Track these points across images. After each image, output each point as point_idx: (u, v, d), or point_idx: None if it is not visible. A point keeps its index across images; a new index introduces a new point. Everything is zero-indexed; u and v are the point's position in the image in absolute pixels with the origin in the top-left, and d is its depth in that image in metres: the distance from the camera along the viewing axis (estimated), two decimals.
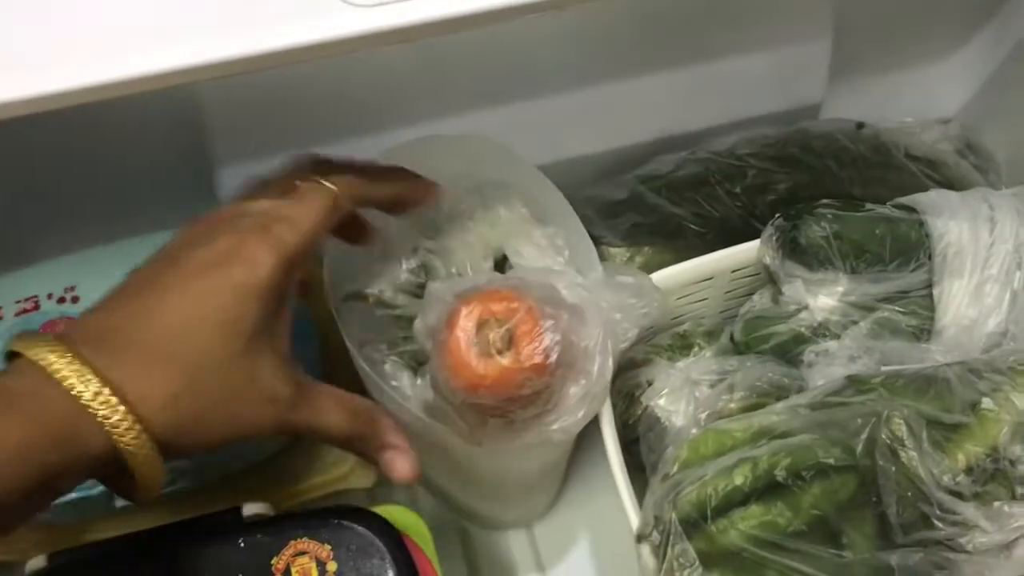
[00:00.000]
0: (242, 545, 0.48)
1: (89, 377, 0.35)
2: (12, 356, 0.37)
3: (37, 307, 0.54)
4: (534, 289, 0.46)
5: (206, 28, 0.37)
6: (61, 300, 0.54)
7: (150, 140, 0.64)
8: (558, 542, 0.67)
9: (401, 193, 0.47)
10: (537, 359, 0.44)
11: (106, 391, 0.35)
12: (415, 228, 0.55)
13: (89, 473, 0.36)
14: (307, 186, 0.42)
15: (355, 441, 0.43)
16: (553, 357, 0.44)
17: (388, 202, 0.47)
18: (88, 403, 0.34)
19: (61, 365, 0.35)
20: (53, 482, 0.35)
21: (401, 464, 0.43)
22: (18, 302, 0.54)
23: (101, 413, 0.35)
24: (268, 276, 0.38)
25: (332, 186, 0.42)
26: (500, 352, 0.44)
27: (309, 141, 0.64)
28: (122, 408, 0.35)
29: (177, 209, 0.61)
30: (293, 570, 0.47)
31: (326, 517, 0.49)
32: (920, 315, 0.58)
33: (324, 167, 0.44)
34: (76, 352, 0.35)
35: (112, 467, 0.36)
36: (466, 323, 0.44)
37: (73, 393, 0.34)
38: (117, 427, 0.35)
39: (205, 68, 0.38)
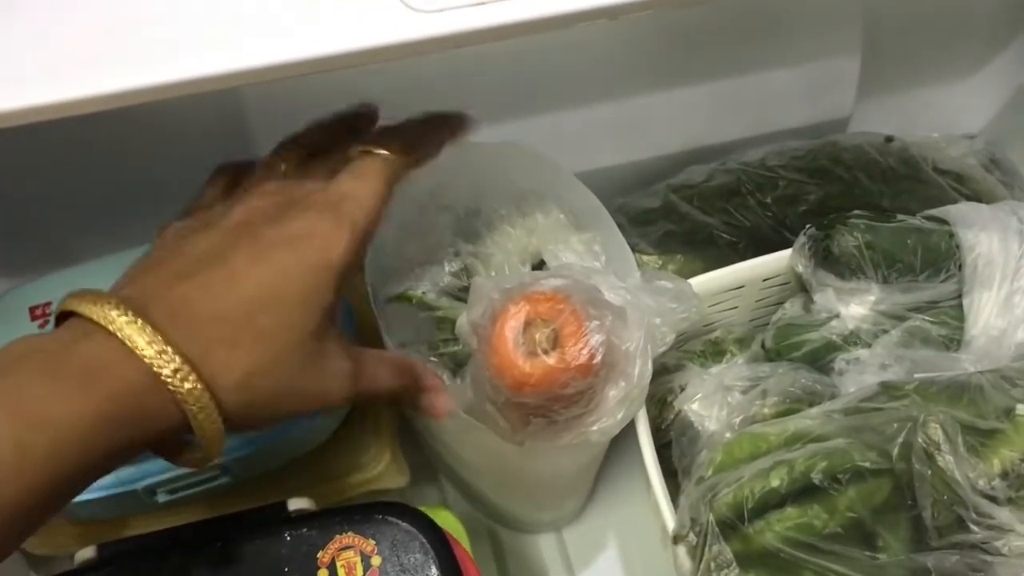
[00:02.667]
0: (288, 539, 0.48)
1: (167, 352, 0.34)
2: (71, 315, 0.36)
3: None
4: (578, 290, 0.47)
5: (265, 32, 0.38)
6: None
7: (194, 142, 0.65)
8: (587, 546, 0.68)
9: (443, 139, 0.46)
10: (582, 359, 0.45)
11: (185, 368, 0.34)
12: (456, 233, 0.56)
13: (155, 443, 0.36)
14: (364, 160, 0.42)
15: (402, 394, 0.44)
16: (598, 357, 0.45)
17: (435, 153, 0.46)
18: (168, 379, 0.34)
19: (139, 339, 0.34)
20: (120, 454, 0.35)
21: (441, 401, 0.46)
22: None
23: (178, 390, 0.34)
24: (342, 255, 0.38)
25: (387, 153, 0.42)
26: (546, 352, 0.45)
27: None
28: (200, 386, 0.35)
29: None
30: (338, 564, 0.48)
31: (370, 513, 0.49)
32: (950, 325, 0.58)
33: (373, 135, 0.44)
34: (154, 324, 0.34)
35: (175, 436, 0.36)
36: (513, 322, 0.45)
37: (154, 370, 0.34)
38: (192, 405, 0.35)
39: (263, 71, 0.39)
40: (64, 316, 0.36)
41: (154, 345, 0.34)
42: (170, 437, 0.36)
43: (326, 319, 0.38)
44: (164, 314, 0.35)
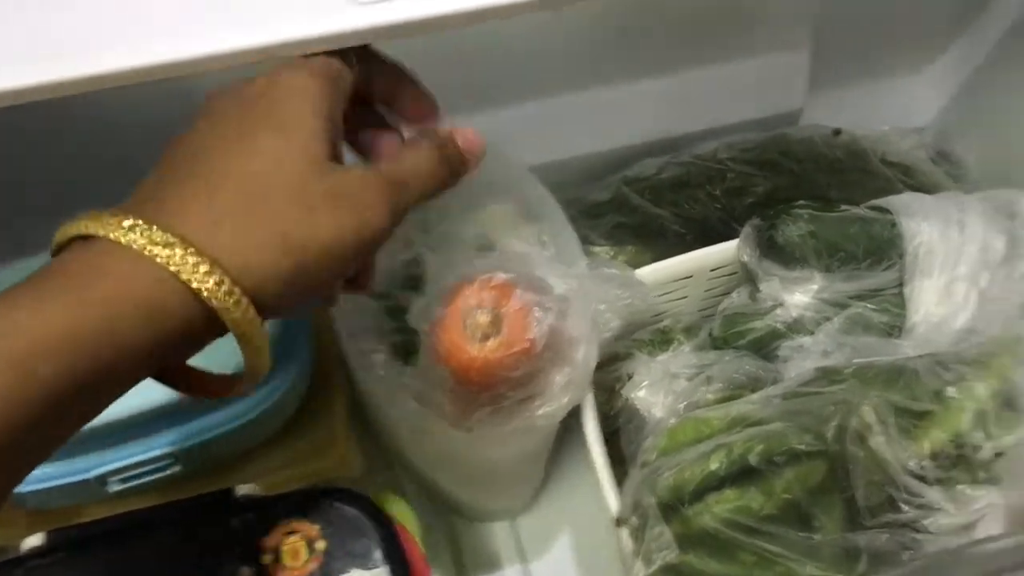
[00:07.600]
0: (233, 524, 0.49)
1: (171, 239, 0.31)
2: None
3: None
4: (524, 277, 0.47)
5: (214, 21, 0.39)
6: None
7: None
8: (540, 534, 0.69)
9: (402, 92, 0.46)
10: (525, 343, 0.46)
11: (191, 251, 0.31)
12: (407, 223, 0.57)
13: (180, 344, 0.33)
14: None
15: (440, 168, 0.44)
16: (541, 342, 0.46)
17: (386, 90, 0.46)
18: (177, 267, 0.31)
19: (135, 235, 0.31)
20: (139, 360, 0.31)
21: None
22: None
23: (195, 278, 0.31)
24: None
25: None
26: (491, 336, 0.46)
27: None
28: (212, 265, 0.31)
29: None
30: (283, 549, 0.48)
31: (316, 498, 0.50)
32: (891, 312, 0.60)
33: None
34: (148, 219, 0.32)
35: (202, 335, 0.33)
36: (461, 308, 0.46)
37: (155, 257, 0.31)
38: (206, 283, 0.31)
39: (206, 60, 0.39)
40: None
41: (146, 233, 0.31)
42: (196, 335, 0.33)
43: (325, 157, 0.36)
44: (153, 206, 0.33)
